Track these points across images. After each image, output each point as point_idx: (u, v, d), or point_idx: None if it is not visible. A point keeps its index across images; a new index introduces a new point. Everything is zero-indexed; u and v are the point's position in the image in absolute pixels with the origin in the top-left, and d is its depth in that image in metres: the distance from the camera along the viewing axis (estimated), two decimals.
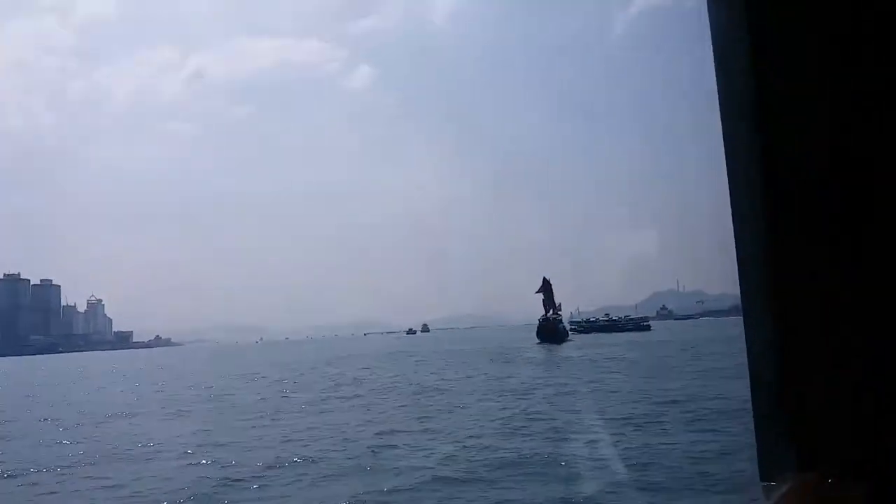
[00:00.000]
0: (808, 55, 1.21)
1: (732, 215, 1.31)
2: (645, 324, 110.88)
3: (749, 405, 1.33)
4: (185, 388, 39.75)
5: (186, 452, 17.26)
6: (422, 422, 20.25)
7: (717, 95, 1.32)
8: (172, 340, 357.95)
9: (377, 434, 18.27)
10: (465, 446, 15.95)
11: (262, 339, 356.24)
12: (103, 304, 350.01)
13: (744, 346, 1.29)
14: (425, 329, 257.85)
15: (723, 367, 27.53)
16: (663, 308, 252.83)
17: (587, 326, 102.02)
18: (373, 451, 15.94)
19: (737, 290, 1.29)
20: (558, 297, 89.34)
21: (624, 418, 18.58)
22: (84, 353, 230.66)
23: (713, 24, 1.31)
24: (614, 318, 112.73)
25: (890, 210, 1.15)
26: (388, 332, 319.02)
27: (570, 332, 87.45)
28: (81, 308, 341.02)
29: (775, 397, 1.28)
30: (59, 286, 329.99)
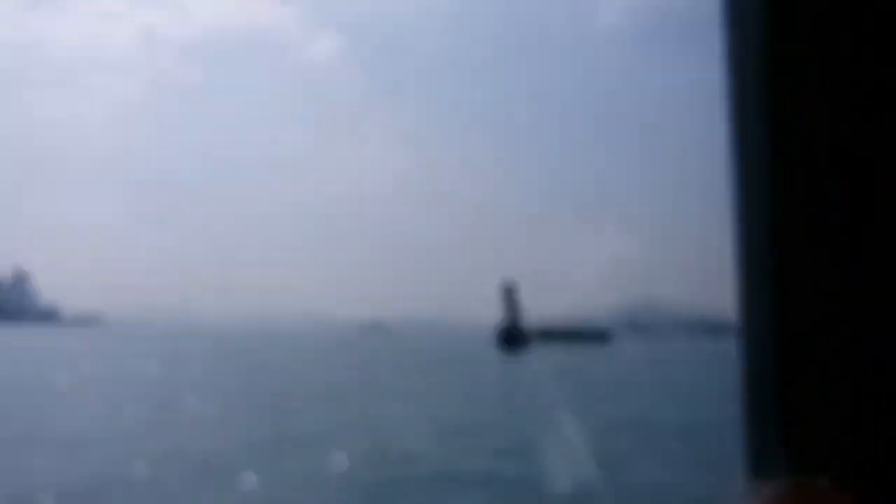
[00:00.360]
0: (820, 56, 1.21)
1: (734, 213, 1.31)
2: (606, 335, 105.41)
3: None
4: None
5: None
6: None
7: (721, 95, 1.33)
8: (104, 319, 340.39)
9: None
10: None
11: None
12: (30, 276, 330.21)
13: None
14: (378, 325, 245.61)
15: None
16: (631, 321, 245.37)
17: (545, 334, 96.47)
18: None
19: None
20: (525, 301, 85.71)
21: None
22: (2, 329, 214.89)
23: (726, 23, 1.32)
24: (573, 328, 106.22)
25: (892, 213, 1.17)
26: (337, 324, 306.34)
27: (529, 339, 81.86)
28: (5, 279, 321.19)
29: (767, 395, 1.29)
30: None
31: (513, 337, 76.84)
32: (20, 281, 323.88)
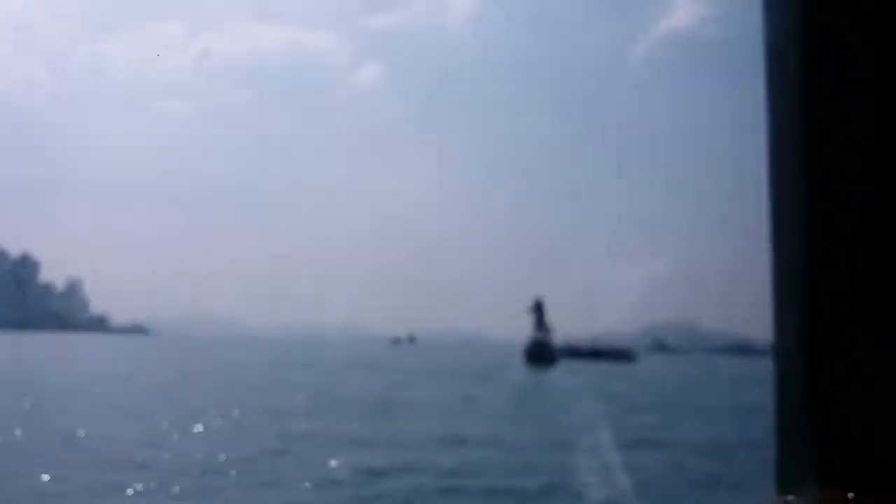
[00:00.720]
0: (859, 63, 1.22)
1: (771, 219, 1.33)
2: (630, 355, 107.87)
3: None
4: None
5: None
6: None
7: (751, 122, 1.45)
8: (150, 328, 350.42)
9: None
10: None
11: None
12: (82, 285, 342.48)
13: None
14: (412, 339, 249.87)
15: None
16: (658, 340, 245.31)
17: (570, 351, 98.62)
18: None
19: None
20: (552, 320, 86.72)
21: None
22: (52, 334, 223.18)
23: (767, 27, 1.34)
24: (599, 346, 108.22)
25: None
26: (372, 338, 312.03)
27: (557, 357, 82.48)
28: (59, 286, 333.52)
29: (800, 406, 1.27)
30: (38, 262, 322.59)
31: (541, 354, 77.38)
32: (72, 290, 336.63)
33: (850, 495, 1.18)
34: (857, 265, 1.21)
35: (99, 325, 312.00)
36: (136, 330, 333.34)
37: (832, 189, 1.23)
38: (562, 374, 59.52)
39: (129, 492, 12.45)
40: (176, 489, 12.90)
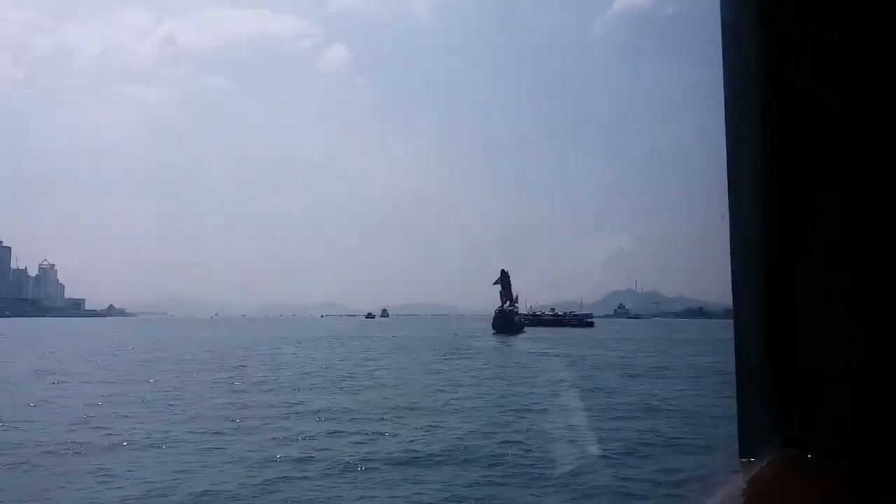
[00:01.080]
0: (818, 40, 1.27)
1: (729, 197, 1.38)
2: (589, 320, 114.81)
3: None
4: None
5: None
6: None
7: (717, 93, 1.41)
8: (126, 311, 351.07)
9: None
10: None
11: (217, 314, 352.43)
12: (56, 270, 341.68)
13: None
14: (385, 314, 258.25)
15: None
16: (620, 307, 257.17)
17: (534, 320, 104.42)
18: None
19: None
20: (516, 290, 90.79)
21: None
22: (32, 318, 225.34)
23: (725, 21, 1.39)
24: (560, 313, 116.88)
25: (888, 200, 1.21)
26: (347, 315, 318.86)
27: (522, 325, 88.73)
28: (33, 272, 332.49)
29: (760, 371, 1.32)
30: (10, 248, 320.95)
31: (507, 323, 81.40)
32: (46, 274, 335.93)
33: (810, 456, 1.21)
34: (815, 235, 1.25)
35: (75, 308, 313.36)
36: (113, 312, 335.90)
37: (790, 164, 1.27)
38: (523, 340, 63.87)
39: None
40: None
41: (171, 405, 19.75)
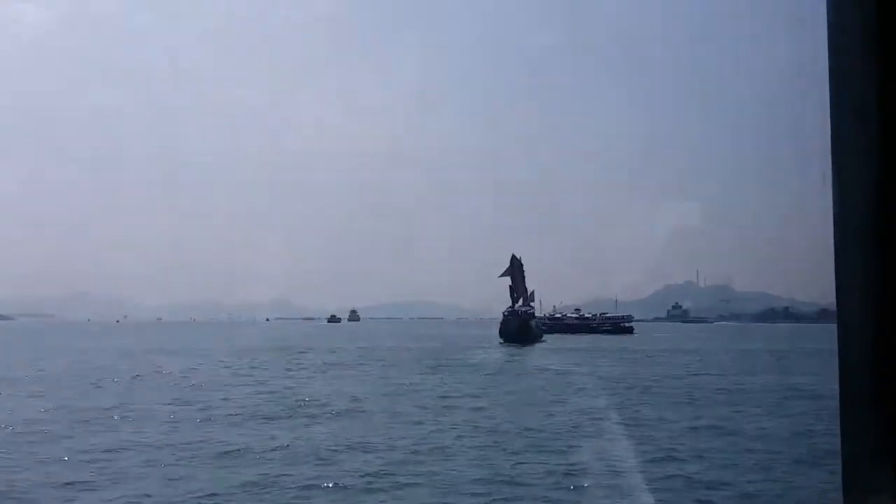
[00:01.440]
0: None
1: (834, 211, 1.41)
2: (626, 325, 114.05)
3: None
4: None
5: None
6: None
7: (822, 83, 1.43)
8: (5, 315, 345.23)
9: None
10: None
11: (125, 317, 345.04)
12: None
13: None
14: (354, 317, 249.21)
15: None
16: (676, 306, 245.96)
17: (553, 324, 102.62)
18: None
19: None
20: (531, 285, 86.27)
21: None
22: None
23: (831, 13, 1.44)
24: (587, 314, 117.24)
25: None
26: (305, 318, 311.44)
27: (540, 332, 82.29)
28: None
29: (868, 409, 1.35)
30: None
31: (520, 329, 76.04)
32: None
33: None
34: None
35: None
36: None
37: None
38: (544, 353, 58.24)
39: None
40: None
41: None
